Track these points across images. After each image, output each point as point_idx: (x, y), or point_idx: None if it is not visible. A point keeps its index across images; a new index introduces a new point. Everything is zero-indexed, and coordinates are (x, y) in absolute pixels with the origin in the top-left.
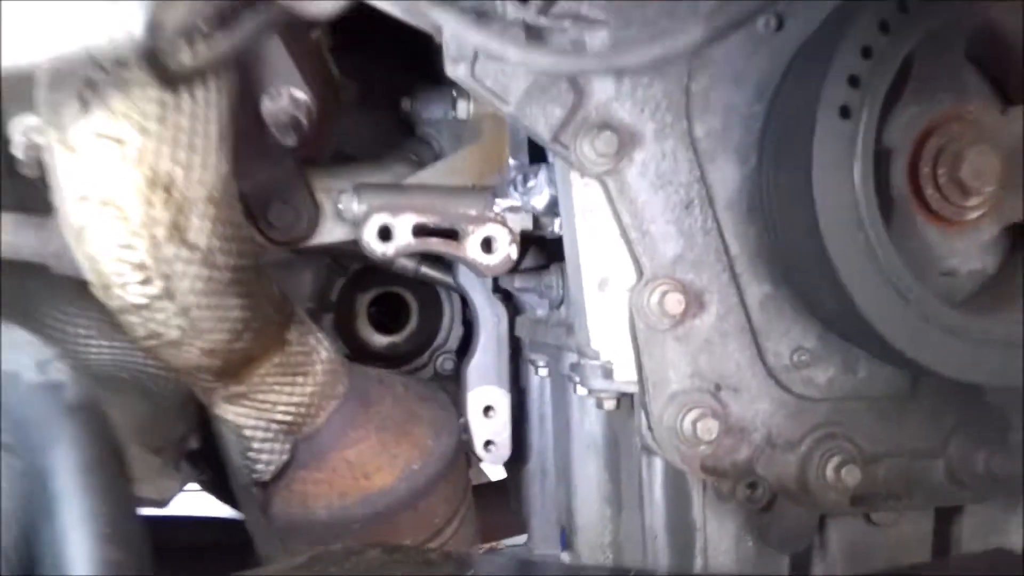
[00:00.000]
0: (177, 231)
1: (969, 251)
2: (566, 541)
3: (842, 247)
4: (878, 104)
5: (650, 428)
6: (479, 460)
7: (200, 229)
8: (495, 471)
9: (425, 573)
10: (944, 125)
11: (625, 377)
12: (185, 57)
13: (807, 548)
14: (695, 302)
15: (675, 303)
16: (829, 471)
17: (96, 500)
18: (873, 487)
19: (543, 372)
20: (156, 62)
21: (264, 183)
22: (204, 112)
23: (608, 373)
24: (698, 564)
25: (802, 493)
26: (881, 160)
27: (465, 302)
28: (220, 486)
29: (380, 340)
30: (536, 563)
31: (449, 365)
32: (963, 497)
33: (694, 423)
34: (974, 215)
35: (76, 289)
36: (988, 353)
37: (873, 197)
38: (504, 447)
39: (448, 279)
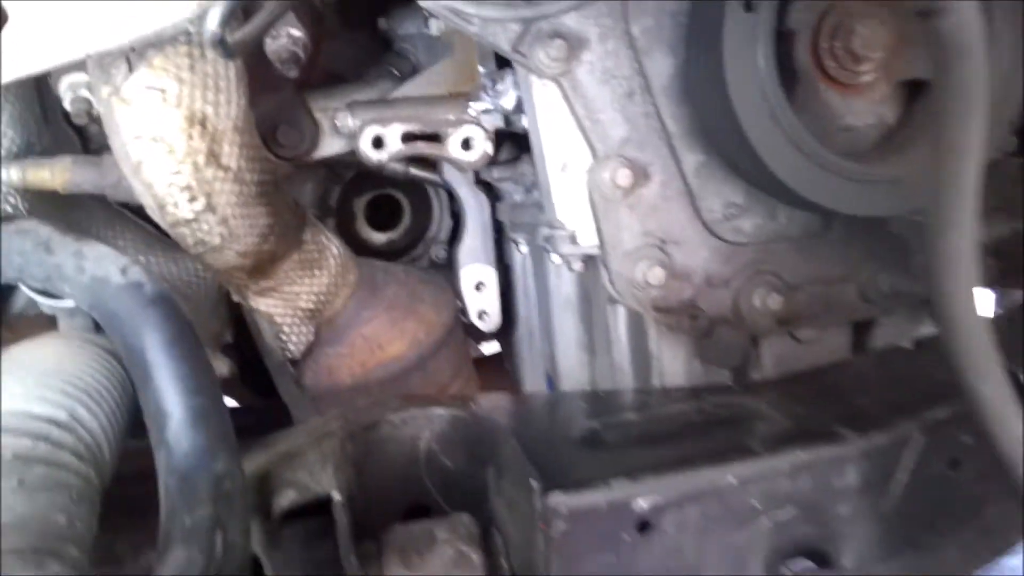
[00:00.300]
0: (213, 157)
1: (865, 109)
2: (552, 386)
3: (751, 117)
4: None
5: (611, 281)
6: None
7: (231, 154)
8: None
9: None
10: (839, 4)
11: (588, 242)
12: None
13: (744, 363)
14: (641, 175)
15: (625, 177)
16: (757, 300)
17: (182, 365)
18: (795, 311)
19: (524, 249)
20: (223, 44)
21: (270, 110)
22: (224, 59)
23: (574, 240)
24: (656, 385)
25: (736, 320)
26: (786, 40)
27: (451, 196)
28: (248, 374)
29: (379, 237)
30: (525, 396)
31: (442, 254)
32: (872, 312)
33: (645, 273)
34: (867, 78)
35: (110, 217)
36: (875, 190)
37: (775, 74)
38: (495, 315)
39: (435, 177)
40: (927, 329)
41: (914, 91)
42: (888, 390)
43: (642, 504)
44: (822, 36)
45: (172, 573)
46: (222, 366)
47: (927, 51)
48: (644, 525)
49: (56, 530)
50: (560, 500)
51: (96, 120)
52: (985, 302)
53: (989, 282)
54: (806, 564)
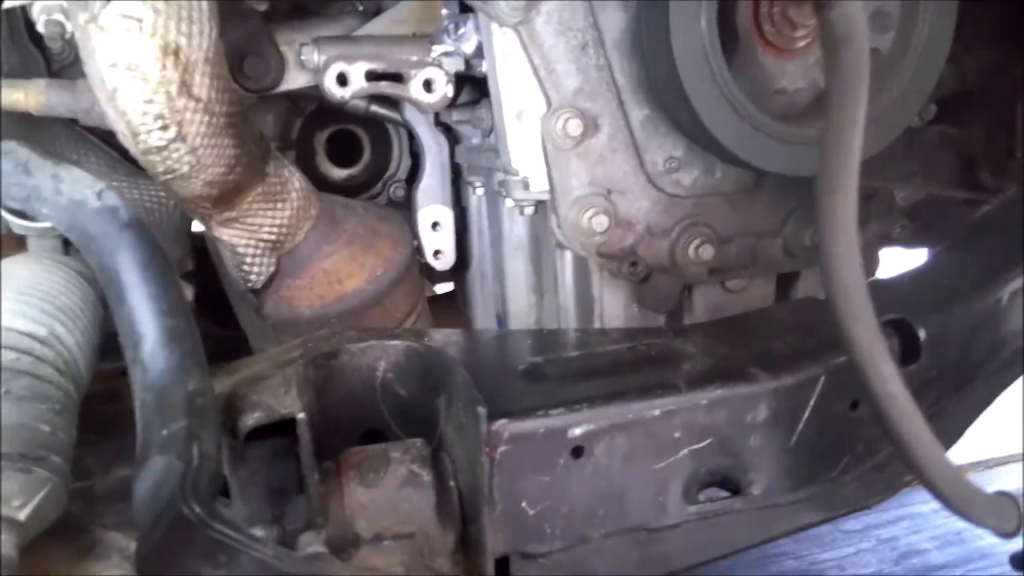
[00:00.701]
0: (185, 87)
1: (797, 72)
2: (502, 325)
3: (692, 77)
4: None
5: (559, 226)
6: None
7: (201, 84)
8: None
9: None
10: None
11: (540, 188)
12: None
13: (678, 309)
14: (591, 125)
15: (576, 127)
16: (691, 250)
17: (154, 286)
18: (726, 261)
19: (479, 191)
20: None
21: (238, 40)
22: None
23: (527, 186)
24: (597, 327)
25: (672, 268)
26: (729, 5)
27: (411, 136)
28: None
29: (338, 173)
30: (475, 332)
31: (400, 192)
32: (795, 265)
33: (590, 219)
34: (802, 44)
35: (75, 140)
36: (802, 151)
37: (716, 37)
38: (450, 254)
39: (396, 115)
40: None
41: None
42: (800, 336)
43: (576, 432)
44: (762, 2)
45: (154, 477)
46: (186, 291)
47: None
48: (578, 451)
49: (41, 438)
50: (504, 426)
51: (68, 43)
52: (898, 259)
53: (905, 242)
54: (719, 493)
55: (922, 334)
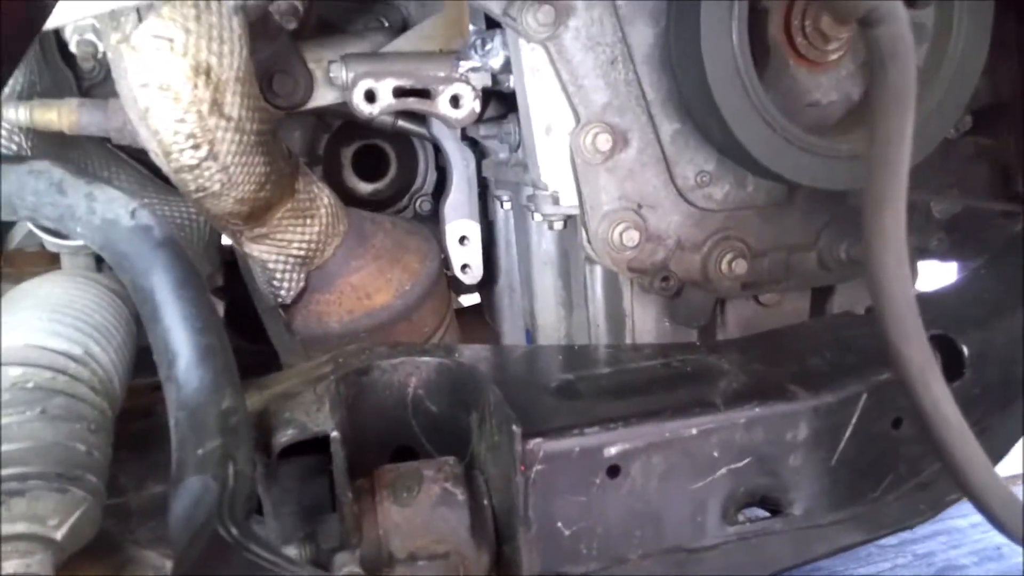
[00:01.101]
0: (216, 106)
1: (830, 85)
2: (531, 339)
3: (724, 90)
4: None
5: (589, 241)
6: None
7: (233, 103)
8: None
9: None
10: None
11: (569, 202)
12: None
13: (710, 324)
14: (620, 140)
15: (605, 142)
16: (724, 264)
17: (188, 305)
18: (759, 275)
19: (507, 205)
20: None
21: (266, 59)
22: (228, 11)
23: (556, 200)
24: (628, 342)
25: (704, 282)
26: (760, 17)
27: (438, 150)
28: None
29: (364, 187)
30: (505, 348)
31: (427, 206)
32: (830, 278)
33: (621, 234)
34: (835, 56)
35: (106, 158)
36: (836, 164)
37: (748, 50)
38: (477, 269)
39: (423, 130)
40: None
41: None
42: (838, 352)
43: (612, 451)
44: (794, 14)
45: (189, 497)
46: (216, 306)
47: None
48: (613, 470)
49: (76, 458)
50: (539, 445)
51: (100, 62)
52: (935, 273)
53: (942, 255)
54: (759, 513)
55: (965, 350)
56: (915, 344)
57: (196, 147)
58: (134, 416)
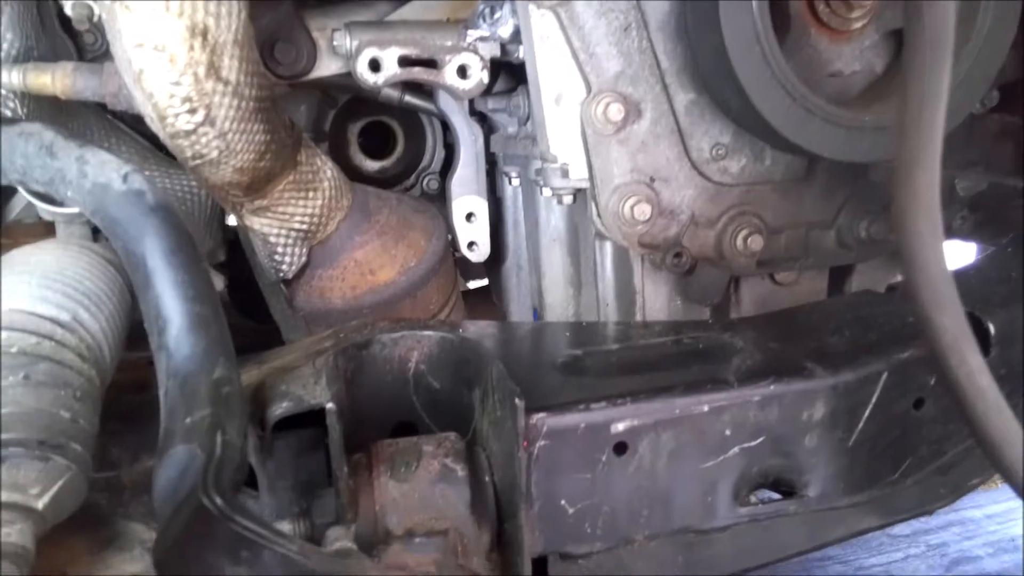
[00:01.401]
0: (214, 69)
1: (853, 55)
2: (538, 319)
3: (743, 59)
4: None
5: (599, 215)
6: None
7: (230, 67)
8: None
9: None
10: None
11: (579, 175)
12: None
13: (724, 303)
14: (633, 111)
15: (617, 112)
16: (739, 241)
17: (181, 272)
18: (775, 253)
19: (516, 182)
20: None
21: (268, 25)
22: None
23: (565, 173)
24: (639, 320)
25: (718, 259)
26: None
27: (446, 128)
28: (238, 296)
29: (371, 165)
30: (511, 324)
31: (434, 185)
32: (849, 257)
33: (632, 208)
34: (858, 24)
35: (105, 128)
36: (858, 136)
37: (768, 17)
38: (485, 246)
39: (429, 105)
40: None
41: (902, 41)
42: (859, 330)
43: (619, 427)
44: None
45: (175, 467)
46: (216, 280)
47: None
48: (621, 447)
49: (60, 425)
50: (542, 420)
51: (96, 26)
52: (959, 253)
53: (965, 234)
54: (771, 495)
55: (992, 329)
56: (950, 312)
57: (192, 111)
58: (130, 389)
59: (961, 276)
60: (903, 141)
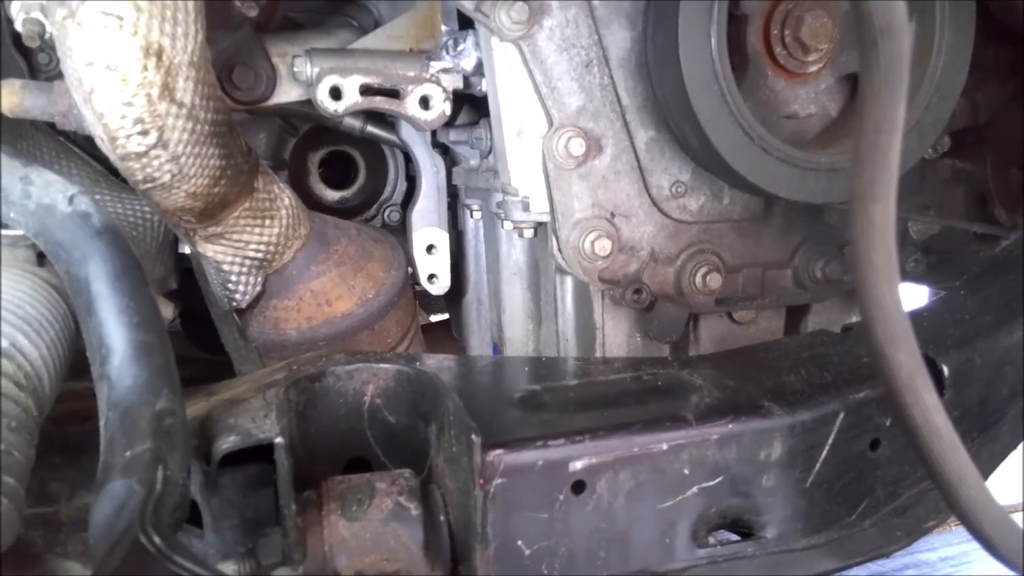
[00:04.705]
0: (167, 91)
1: (809, 97)
2: (498, 353)
3: (701, 97)
4: None
5: (560, 250)
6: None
7: (185, 89)
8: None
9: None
10: None
11: (540, 209)
12: None
13: (683, 340)
14: (594, 146)
15: (578, 147)
16: (698, 278)
17: (126, 298)
18: (733, 291)
19: (477, 215)
20: None
21: (227, 49)
22: None
23: (526, 206)
24: (599, 356)
25: (677, 296)
26: (739, 24)
27: (408, 159)
28: (193, 324)
29: (331, 195)
30: (470, 358)
31: (396, 216)
32: (805, 297)
33: (593, 243)
34: (814, 68)
35: (56, 150)
36: (814, 177)
37: (726, 57)
38: (445, 279)
39: (392, 136)
40: (857, 319)
41: (857, 86)
42: (815, 370)
43: (577, 465)
44: (773, 23)
45: (112, 503)
46: (166, 309)
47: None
48: (578, 486)
49: None
50: (499, 456)
51: (49, 44)
52: (912, 295)
53: (918, 277)
54: (730, 536)
55: (946, 370)
56: (905, 349)
57: (144, 133)
58: (71, 420)
59: (915, 318)
60: (858, 174)
